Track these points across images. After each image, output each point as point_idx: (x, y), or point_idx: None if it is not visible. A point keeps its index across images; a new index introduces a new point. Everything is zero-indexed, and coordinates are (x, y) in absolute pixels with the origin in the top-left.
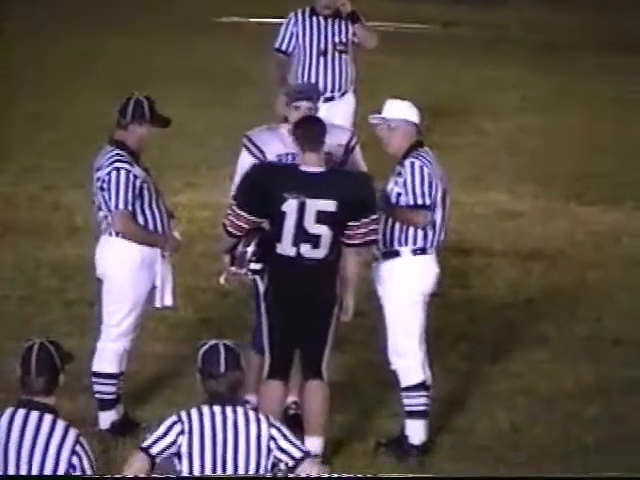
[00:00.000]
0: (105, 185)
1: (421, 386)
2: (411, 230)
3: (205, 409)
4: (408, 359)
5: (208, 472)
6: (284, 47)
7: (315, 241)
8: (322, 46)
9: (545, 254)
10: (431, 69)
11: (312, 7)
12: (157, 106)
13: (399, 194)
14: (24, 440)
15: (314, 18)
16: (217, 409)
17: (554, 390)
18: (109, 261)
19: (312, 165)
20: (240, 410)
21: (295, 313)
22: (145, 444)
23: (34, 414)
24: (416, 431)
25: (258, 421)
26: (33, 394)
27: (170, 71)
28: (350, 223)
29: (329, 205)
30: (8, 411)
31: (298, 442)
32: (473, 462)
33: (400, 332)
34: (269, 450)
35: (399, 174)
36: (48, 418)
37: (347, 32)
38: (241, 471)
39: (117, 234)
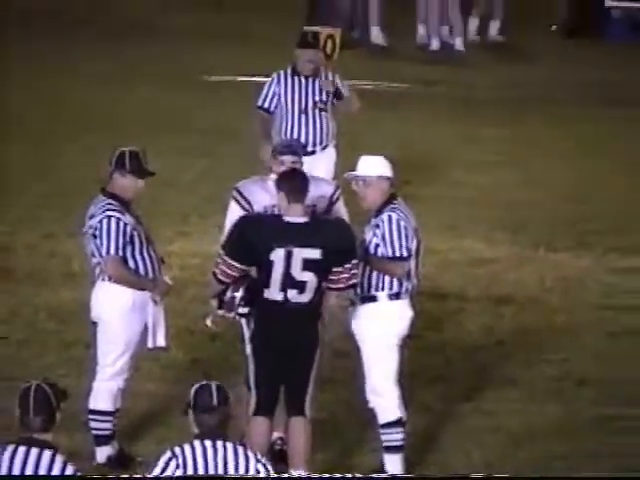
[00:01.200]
0: (97, 232)
1: (398, 423)
2: (387, 277)
3: (197, 443)
4: (385, 398)
5: None
6: (266, 105)
7: (301, 287)
8: (303, 104)
9: (516, 299)
10: (411, 124)
11: (293, 66)
12: (147, 157)
13: (377, 245)
14: (25, 473)
15: (295, 78)
16: (208, 443)
17: (524, 428)
18: (102, 305)
19: (297, 215)
20: (230, 445)
21: (280, 354)
22: None
23: (34, 450)
24: (394, 465)
25: (246, 456)
26: (32, 432)
27: (162, 122)
28: (334, 269)
29: (314, 253)
30: (10, 448)
31: None
32: None
33: (377, 373)
34: None
35: (376, 226)
36: (47, 454)
37: (327, 91)
38: None
39: (109, 279)
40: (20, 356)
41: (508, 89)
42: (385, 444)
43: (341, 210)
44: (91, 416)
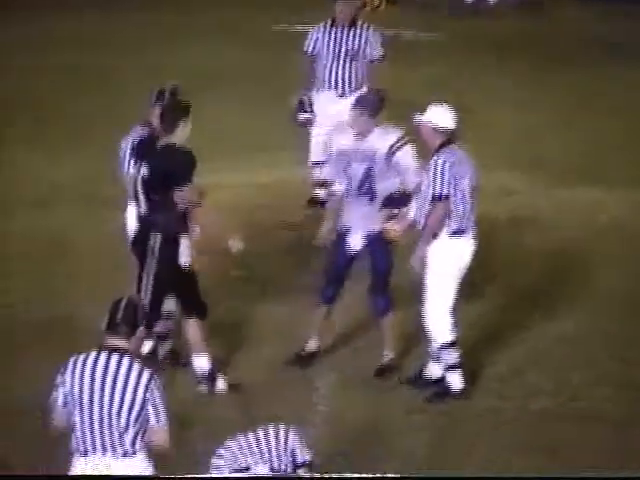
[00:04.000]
0: None
1: (454, 344)
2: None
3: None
4: (442, 323)
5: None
6: (309, 50)
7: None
8: (336, 51)
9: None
10: (445, 68)
11: (333, 18)
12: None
13: (426, 186)
14: (107, 376)
15: (332, 28)
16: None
17: None
18: None
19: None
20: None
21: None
22: None
23: (115, 356)
24: (455, 380)
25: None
26: (114, 338)
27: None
28: None
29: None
30: (93, 353)
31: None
32: None
33: (438, 301)
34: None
35: (428, 169)
36: (126, 359)
37: (359, 40)
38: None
39: None
40: None
41: (528, 39)
42: (445, 363)
43: (404, 158)
44: None
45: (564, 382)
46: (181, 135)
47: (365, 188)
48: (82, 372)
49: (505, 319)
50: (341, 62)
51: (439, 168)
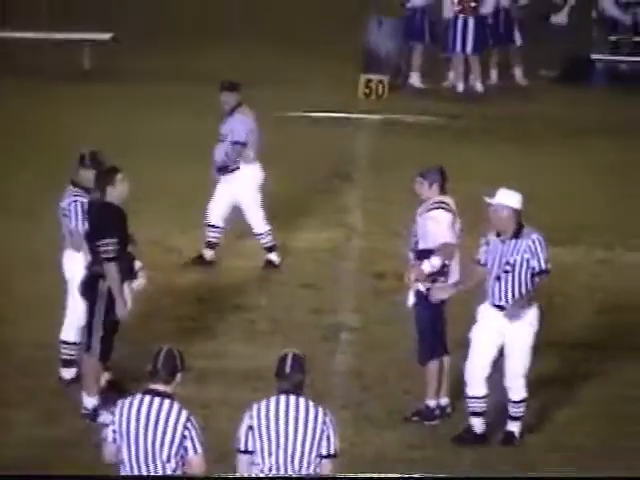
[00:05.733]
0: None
1: (525, 400)
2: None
3: (272, 399)
4: (524, 380)
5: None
6: None
7: None
8: None
9: None
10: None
11: None
12: None
13: (529, 261)
14: (150, 416)
15: None
16: (282, 399)
17: None
18: None
19: None
20: (302, 400)
21: None
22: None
23: (157, 399)
24: (516, 428)
25: (316, 410)
26: (156, 383)
27: None
28: None
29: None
30: (138, 396)
31: None
32: None
33: (526, 362)
34: None
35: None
36: (167, 401)
37: None
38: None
39: None
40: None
41: (513, 121)
42: (514, 414)
43: (430, 219)
44: None
45: None
46: (116, 195)
47: (412, 245)
48: (129, 413)
49: None
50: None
51: (544, 244)
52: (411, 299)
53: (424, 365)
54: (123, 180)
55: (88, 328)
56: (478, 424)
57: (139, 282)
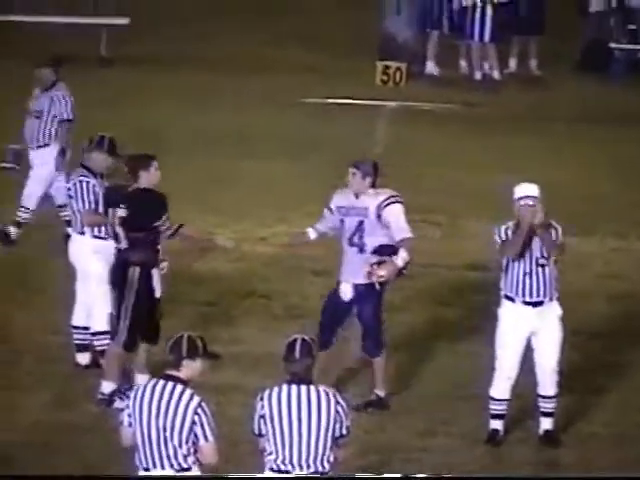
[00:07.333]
0: None
1: (556, 396)
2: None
3: (284, 387)
4: (557, 375)
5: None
6: None
7: None
8: None
9: None
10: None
11: None
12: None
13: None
14: (162, 401)
15: None
16: (293, 387)
17: None
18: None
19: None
20: (312, 388)
21: None
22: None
23: (170, 383)
24: (548, 425)
25: (327, 398)
26: (170, 369)
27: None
28: None
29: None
30: (153, 381)
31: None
32: None
33: (558, 357)
34: None
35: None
36: (179, 386)
37: None
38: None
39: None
40: None
41: (529, 110)
42: (547, 410)
43: (390, 215)
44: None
45: None
46: (149, 181)
47: (355, 240)
48: (142, 397)
49: None
50: None
51: (560, 231)
52: (348, 293)
53: (377, 357)
54: (157, 167)
55: (117, 316)
56: (498, 426)
57: (163, 265)
